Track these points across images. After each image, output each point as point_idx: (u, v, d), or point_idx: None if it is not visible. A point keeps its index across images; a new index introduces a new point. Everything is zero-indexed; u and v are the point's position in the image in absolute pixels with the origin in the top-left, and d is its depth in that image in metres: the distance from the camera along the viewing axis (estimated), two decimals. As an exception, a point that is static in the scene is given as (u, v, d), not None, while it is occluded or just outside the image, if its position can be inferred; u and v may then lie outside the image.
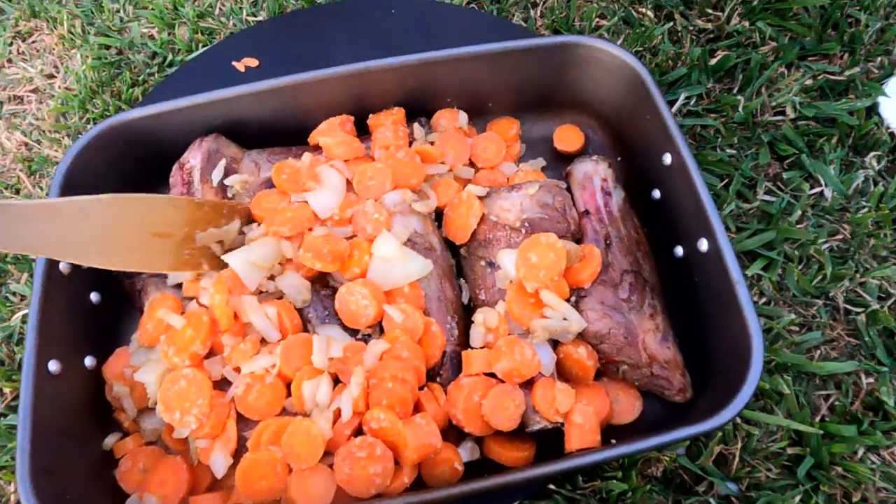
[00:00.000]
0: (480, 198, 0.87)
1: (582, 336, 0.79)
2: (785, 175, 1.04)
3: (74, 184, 0.87)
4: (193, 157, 0.92)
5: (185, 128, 0.95)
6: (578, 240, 0.85)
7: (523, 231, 0.82)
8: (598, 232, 0.84)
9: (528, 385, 0.76)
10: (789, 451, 0.84)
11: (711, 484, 0.83)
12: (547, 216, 0.82)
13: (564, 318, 0.77)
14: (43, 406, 0.73)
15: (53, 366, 0.76)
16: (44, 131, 1.22)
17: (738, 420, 0.86)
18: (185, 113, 0.93)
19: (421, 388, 0.78)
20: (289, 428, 0.72)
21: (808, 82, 1.10)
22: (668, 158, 0.86)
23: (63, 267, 0.83)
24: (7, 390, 0.94)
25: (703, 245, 0.80)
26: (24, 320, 1.00)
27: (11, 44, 1.35)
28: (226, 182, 0.91)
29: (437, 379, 0.79)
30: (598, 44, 0.93)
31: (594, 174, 0.89)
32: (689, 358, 0.83)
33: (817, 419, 0.87)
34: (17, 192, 1.15)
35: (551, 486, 0.83)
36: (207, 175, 0.91)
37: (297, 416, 0.74)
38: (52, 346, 0.77)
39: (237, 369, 0.77)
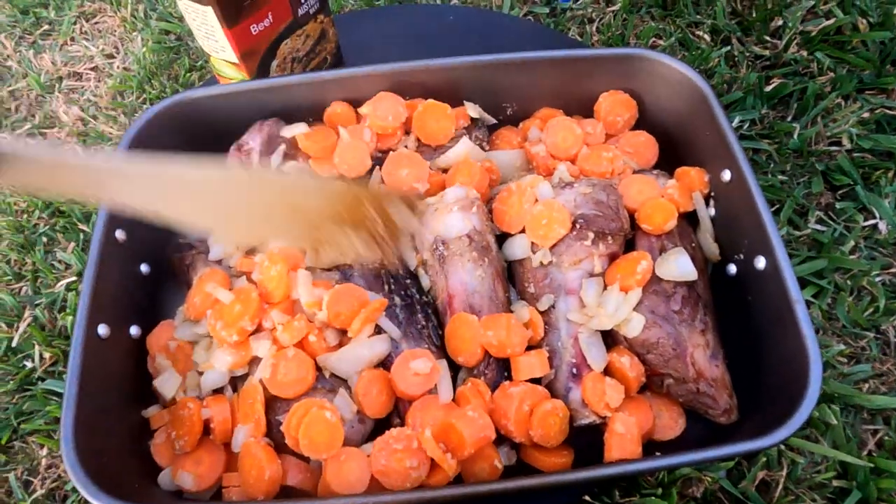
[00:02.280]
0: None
1: (629, 345, 0.78)
2: (838, 205, 1.03)
3: (136, 153, 0.88)
4: (253, 140, 0.93)
5: (245, 111, 0.96)
6: (630, 241, 0.84)
7: (577, 226, 0.81)
8: (654, 243, 0.84)
9: (577, 379, 0.75)
10: (835, 483, 0.82)
11: (752, 510, 0.81)
12: (601, 213, 0.82)
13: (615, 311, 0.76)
14: (89, 367, 0.73)
15: (102, 329, 0.77)
16: (101, 108, 1.25)
17: (783, 447, 0.84)
18: (246, 96, 0.95)
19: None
20: (305, 419, 0.71)
21: (866, 115, 1.10)
22: (727, 175, 0.85)
23: (119, 235, 0.83)
24: (46, 355, 0.95)
25: (761, 263, 0.78)
26: (68, 288, 1.01)
27: (75, 23, 1.39)
28: (283, 169, 0.92)
29: (483, 378, 0.78)
30: (662, 58, 0.93)
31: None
32: (737, 380, 0.81)
33: (864, 453, 0.84)
34: (71, 164, 1.17)
35: (587, 498, 0.81)
36: (266, 158, 0.91)
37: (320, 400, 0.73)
38: (102, 310, 0.77)
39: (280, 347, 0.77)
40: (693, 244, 0.86)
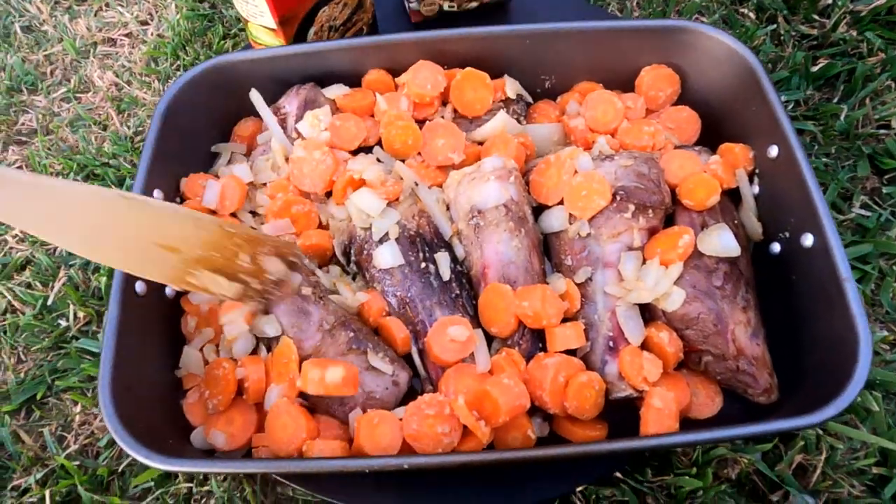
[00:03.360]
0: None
1: (668, 320, 0.77)
2: (884, 190, 1.00)
3: (175, 115, 0.88)
4: (290, 104, 0.92)
5: (282, 76, 0.95)
6: (671, 216, 0.83)
7: (618, 198, 0.80)
8: (695, 219, 0.82)
9: (614, 352, 0.73)
10: (875, 470, 0.80)
11: (787, 494, 0.79)
12: (642, 186, 0.80)
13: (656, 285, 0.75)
14: (126, 323, 0.73)
15: (139, 286, 0.77)
16: (135, 74, 1.25)
17: (821, 431, 0.82)
18: (284, 61, 0.94)
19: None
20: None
21: (917, 98, 1.06)
22: (773, 150, 0.83)
23: (157, 195, 0.84)
24: (81, 314, 0.96)
25: (808, 240, 0.76)
26: (102, 249, 1.01)
27: (111, -11, 1.39)
28: (298, 126, 0.91)
29: (517, 349, 0.77)
30: (709, 31, 0.91)
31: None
32: (778, 361, 0.79)
33: (906, 442, 0.82)
34: (105, 128, 1.17)
35: (618, 475, 0.80)
36: (301, 122, 0.91)
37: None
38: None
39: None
40: (735, 221, 0.84)
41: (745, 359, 0.76)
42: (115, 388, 0.68)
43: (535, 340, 0.78)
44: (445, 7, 1.09)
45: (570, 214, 0.83)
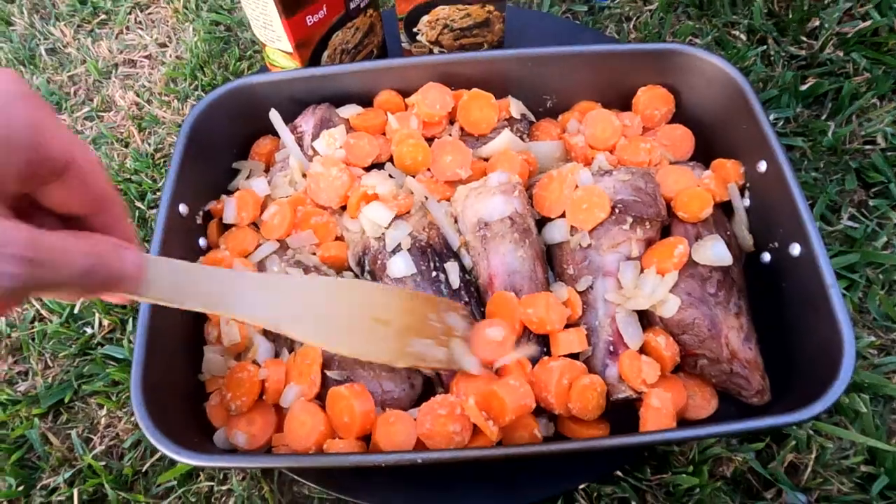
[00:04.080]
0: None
1: (665, 326, 0.81)
2: (871, 202, 1.05)
3: (198, 134, 0.93)
4: (306, 123, 0.98)
5: (299, 97, 1.01)
6: (666, 229, 0.88)
7: (616, 211, 0.85)
8: (689, 230, 0.87)
9: (614, 356, 0.78)
10: (863, 468, 0.84)
11: (780, 491, 0.83)
12: (639, 199, 0.85)
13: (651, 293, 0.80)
14: (155, 327, 0.78)
15: (167, 294, 0.81)
16: (154, 94, 1.31)
17: (811, 432, 0.86)
18: (301, 83, 1.00)
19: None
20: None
21: (901, 115, 1.11)
22: (762, 166, 0.88)
23: (182, 209, 0.89)
24: (105, 322, 1.00)
25: (795, 250, 0.81)
26: (125, 260, 1.06)
27: (130, 13, 1.46)
28: (314, 144, 0.96)
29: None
30: (700, 53, 0.96)
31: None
32: (770, 365, 0.83)
33: (892, 441, 0.86)
34: (127, 145, 1.23)
35: (619, 473, 0.84)
36: (317, 140, 0.96)
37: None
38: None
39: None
40: (728, 232, 0.89)
41: (738, 362, 0.80)
42: (145, 388, 0.73)
43: (540, 345, 0.83)
44: (436, 52, 1.16)
45: (572, 226, 0.88)
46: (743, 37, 1.24)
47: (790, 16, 1.25)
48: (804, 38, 1.22)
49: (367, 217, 0.90)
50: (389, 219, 0.88)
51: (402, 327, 0.74)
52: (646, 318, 0.84)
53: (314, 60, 1.10)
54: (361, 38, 1.16)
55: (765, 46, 1.22)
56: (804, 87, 1.16)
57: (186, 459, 0.70)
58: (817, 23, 1.22)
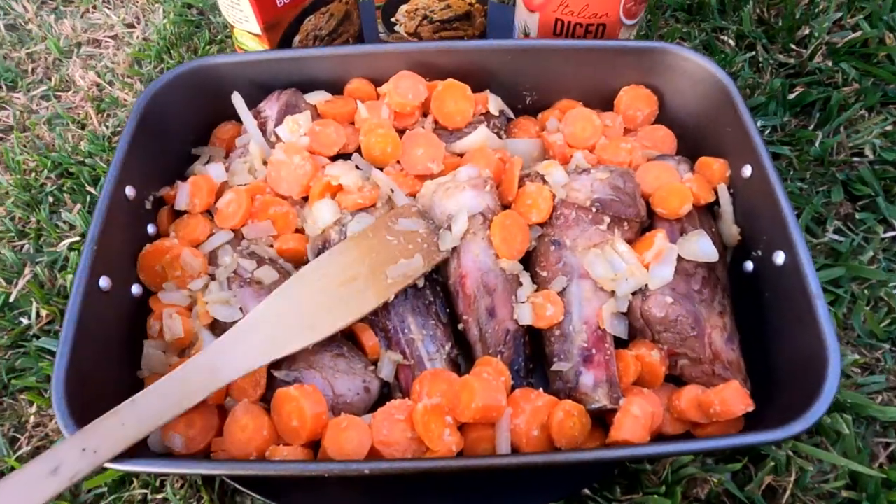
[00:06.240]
0: (545, 181, 0.86)
1: (646, 320, 0.76)
2: (857, 215, 1.01)
3: (152, 114, 0.87)
4: (270, 108, 0.92)
5: (265, 81, 0.95)
6: (647, 228, 0.83)
7: (593, 210, 0.80)
8: (674, 226, 0.82)
9: (588, 363, 0.73)
10: (844, 493, 0.79)
11: (757, 516, 0.78)
12: (618, 198, 0.80)
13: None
14: (88, 317, 0.71)
15: (104, 282, 0.75)
16: (117, 75, 1.24)
17: (791, 453, 0.81)
18: (267, 65, 0.94)
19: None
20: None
21: (889, 128, 1.08)
22: (747, 171, 0.84)
23: (129, 192, 0.82)
24: (44, 313, 0.93)
25: (779, 258, 0.76)
26: (71, 248, 0.99)
27: (99, -8, 1.39)
28: (277, 130, 0.91)
29: (500, 357, 0.76)
30: (686, 53, 0.92)
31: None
32: (751, 375, 0.78)
33: (875, 465, 0.82)
34: (83, 127, 1.16)
35: (587, 492, 0.79)
36: (280, 126, 0.90)
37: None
38: (105, 263, 0.76)
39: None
40: (713, 229, 0.85)
41: (720, 363, 0.75)
42: (69, 381, 0.66)
43: (520, 349, 0.77)
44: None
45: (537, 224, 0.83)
46: (731, 42, 1.21)
47: (780, 23, 1.22)
48: (793, 47, 1.19)
49: (313, 212, 0.85)
50: (332, 219, 0.83)
51: (370, 270, 0.76)
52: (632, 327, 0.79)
53: (284, 44, 1.04)
54: (336, 26, 1.11)
55: (753, 53, 1.18)
56: (792, 96, 1.12)
57: (115, 465, 0.63)
58: (807, 31, 1.19)
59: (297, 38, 1.06)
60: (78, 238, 1.00)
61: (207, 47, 1.25)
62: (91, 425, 0.61)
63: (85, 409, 0.67)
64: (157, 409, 0.63)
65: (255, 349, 0.69)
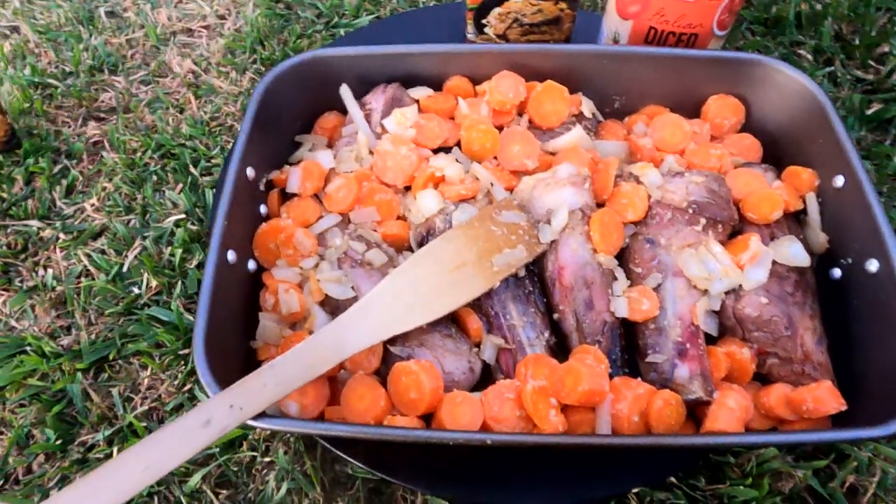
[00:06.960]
0: (639, 181, 0.89)
1: (738, 319, 0.80)
2: (934, 231, 1.03)
3: (269, 102, 0.92)
4: (376, 101, 0.97)
5: (371, 74, 1.00)
6: (738, 232, 0.86)
7: (690, 211, 0.83)
8: (764, 231, 0.85)
9: (682, 356, 0.77)
10: (925, 496, 0.82)
11: (837, 513, 0.81)
12: (713, 202, 0.84)
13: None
14: (218, 289, 0.76)
15: (231, 255, 0.80)
16: (212, 63, 1.30)
17: (873, 455, 0.84)
18: (374, 59, 0.99)
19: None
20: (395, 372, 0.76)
21: (968, 147, 1.10)
22: (839, 181, 0.87)
23: (250, 173, 0.87)
24: (154, 283, 0.99)
25: (873, 266, 0.79)
26: (177, 224, 1.05)
27: (192, -16, 1.45)
28: (384, 122, 0.95)
29: (598, 346, 0.80)
30: (780, 66, 0.95)
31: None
32: (838, 380, 0.81)
33: (953, 472, 0.84)
34: (182, 111, 1.22)
35: (672, 480, 0.82)
36: (386, 118, 0.95)
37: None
38: (231, 238, 0.81)
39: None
40: (801, 237, 0.88)
41: (810, 363, 0.78)
42: (208, 347, 0.71)
43: (616, 339, 0.81)
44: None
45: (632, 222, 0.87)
46: (809, 56, 1.23)
47: (858, 41, 1.24)
48: (871, 63, 1.21)
49: (417, 200, 0.89)
50: (436, 208, 0.87)
51: (478, 257, 0.81)
52: (722, 326, 0.83)
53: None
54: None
55: (832, 68, 1.21)
56: (870, 112, 1.15)
57: (258, 423, 0.68)
58: (886, 49, 1.22)
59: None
60: (183, 216, 1.06)
61: (298, 41, 1.31)
62: (237, 384, 0.66)
63: (217, 370, 0.72)
64: (292, 374, 0.68)
65: (378, 325, 0.74)
